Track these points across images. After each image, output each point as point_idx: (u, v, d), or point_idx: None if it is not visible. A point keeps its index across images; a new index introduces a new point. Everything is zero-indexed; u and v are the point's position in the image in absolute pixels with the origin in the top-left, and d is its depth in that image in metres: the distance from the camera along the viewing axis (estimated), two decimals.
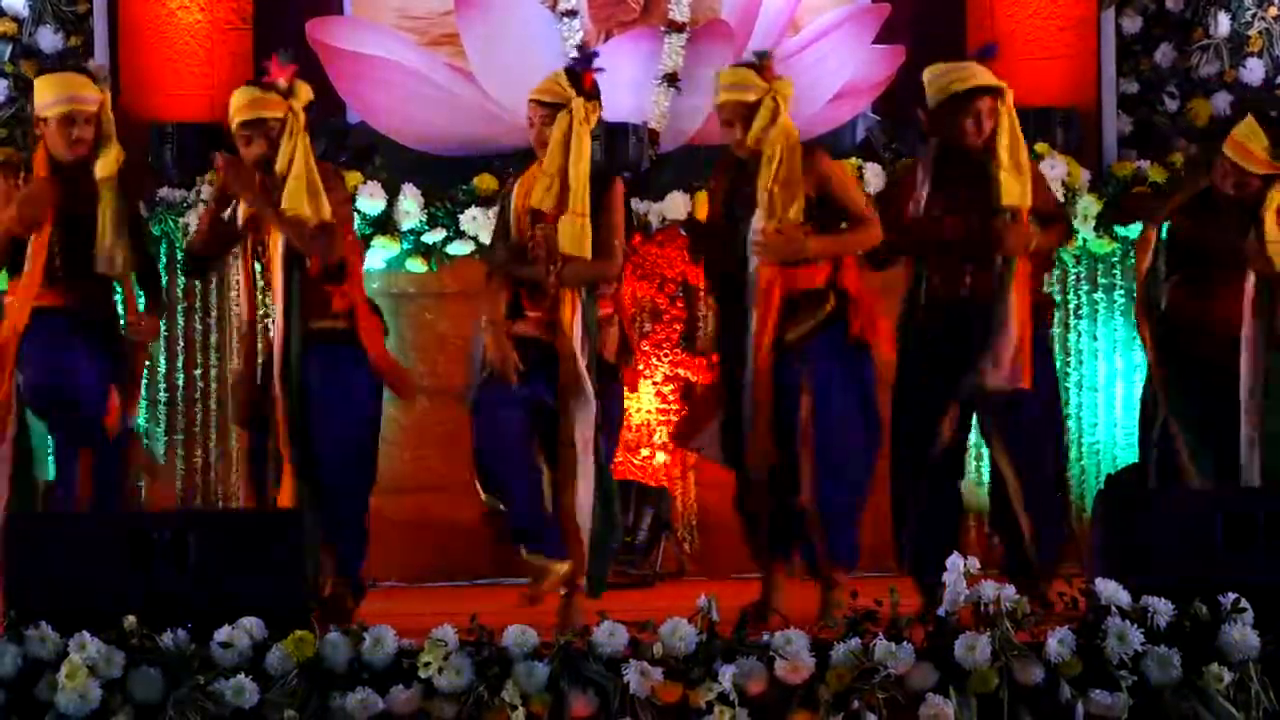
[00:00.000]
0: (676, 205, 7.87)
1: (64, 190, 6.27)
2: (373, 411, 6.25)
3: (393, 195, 7.80)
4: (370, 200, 7.70)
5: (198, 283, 7.88)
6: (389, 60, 8.14)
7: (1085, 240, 7.96)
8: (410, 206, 7.82)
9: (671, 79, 8.16)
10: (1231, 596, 5.13)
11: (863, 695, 5.00)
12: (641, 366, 7.81)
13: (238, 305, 6.34)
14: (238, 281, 6.32)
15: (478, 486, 6.06)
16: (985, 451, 7.29)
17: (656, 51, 8.17)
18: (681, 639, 5.07)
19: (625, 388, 6.32)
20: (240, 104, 6.13)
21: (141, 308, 6.51)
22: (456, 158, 8.02)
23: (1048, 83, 8.03)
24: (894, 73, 8.20)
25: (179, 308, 7.91)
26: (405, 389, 6.30)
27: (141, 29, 8.15)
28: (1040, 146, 7.69)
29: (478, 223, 7.76)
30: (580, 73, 6.05)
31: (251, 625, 5.13)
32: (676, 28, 8.20)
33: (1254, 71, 8.28)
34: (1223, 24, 8.27)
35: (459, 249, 7.83)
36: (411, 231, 7.82)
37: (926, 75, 6.27)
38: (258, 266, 6.23)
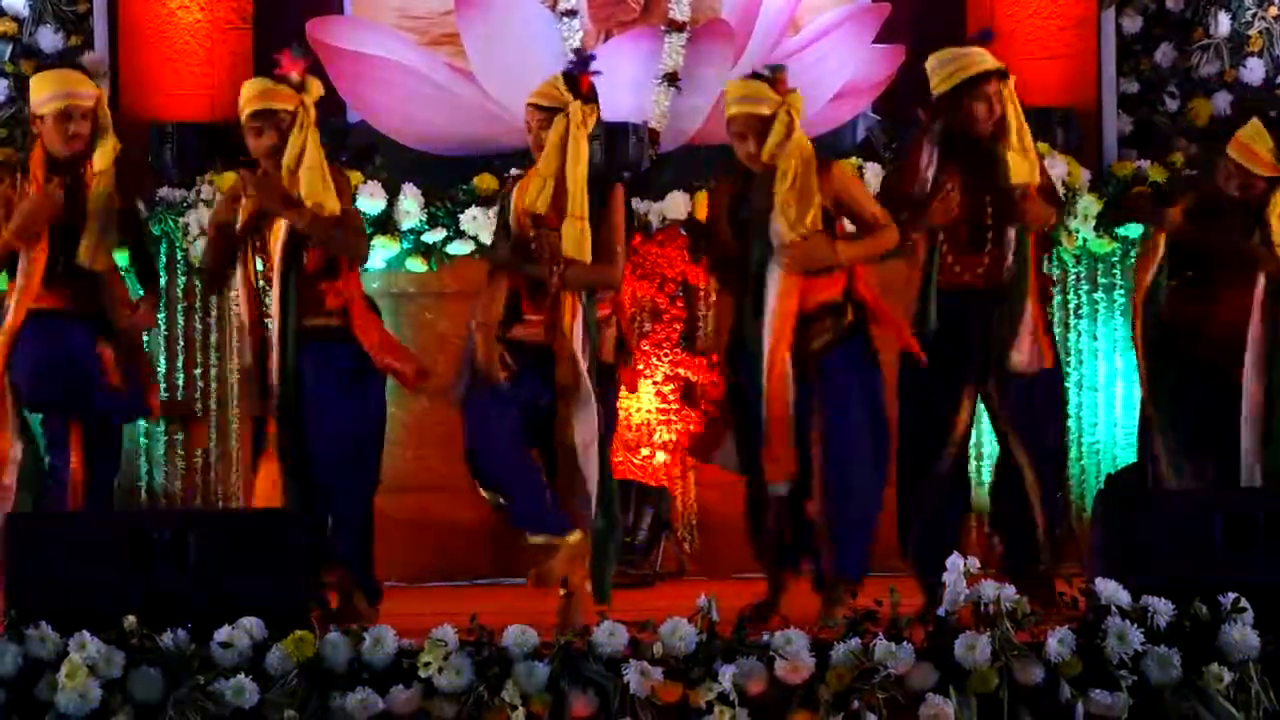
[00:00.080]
0: (676, 205, 7.87)
1: (62, 194, 6.27)
2: (373, 410, 6.23)
3: (393, 195, 7.80)
4: (370, 200, 7.70)
5: (198, 283, 7.88)
6: (389, 60, 8.14)
7: (1085, 240, 7.96)
8: (410, 206, 7.82)
9: (671, 79, 8.16)
10: (1231, 596, 5.13)
11: (863, 695, 5.00)
12: (641, 366, 7.81)
13: (238, 305, 6.32)
14: (236, 282, 6.30)
15: (475, 484, 6.07)
16: (985, 451, 7.32)
17: (656, 51, 8.17)
18: (681, 639, 5.07)
19: (623, 388, 6.32)
20: (251, 94, 6.14)
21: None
22: (456, 158, 8.02)
23: (1048, 82, 8.03)
24: (894, 72, 8.20)
25: (179, 307, 7.91)
26: (407, 376, 6.27)
27: (141, 29, 8.15)
28: (1040, 146, 7.65)
29: (478, 223, 7.76)
30: (577, 76, 6.05)
31: (251, 625, 5.13)
32: (677, 27, 8.20)
33: (1254, 71, 8.28)
34: (1223, 24, 8.27)
35: (459, 249, 7.83)
36: (411, 231, 7.82)
37: (932, 62, 6.27)
38: (258, 265, 6.22)
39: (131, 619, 5.10)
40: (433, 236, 7.84)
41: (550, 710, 5.05)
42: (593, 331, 6.00)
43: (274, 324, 6.09)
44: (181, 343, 7.91)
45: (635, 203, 7.82)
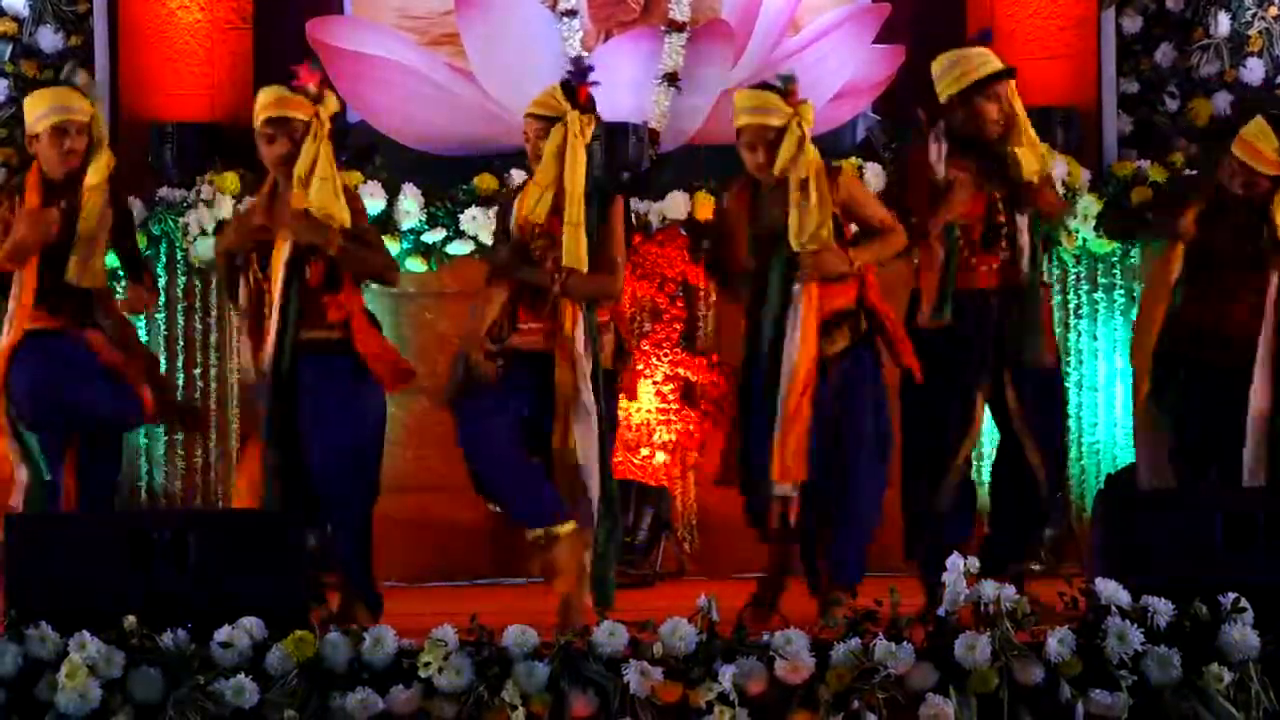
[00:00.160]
0: (676, 205, 7.87)
1: (56, 225, 6.29)
2: (372, 422, 6.21)
3: (393, 195, 7.80)
4: (370, 200, 7.70)
5: (198, 282, 7.88)
6: (389, 60, 8.14)
7: (1085, 240, 7.96)
8: (410, 206, 7.82)
9: (671, 79, 8.16)
10: (1231, 596, 5.13)
11: (863, 695, 5.00)
12: (641, 366, 7.82)
13: (239, 310, 6.31)
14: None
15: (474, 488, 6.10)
16: (985, 450, 7.32)
17: (656, 51, 8.17)
18: (681, 639, 5.07)
19: (622, 392, 6.31)
20: (266, 102, 6.12)
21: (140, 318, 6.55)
22: (456, 158, 8.02)
23: (1048, 82, 8.03)
24: (894, 73, 8.20)
25: (179, 307, 7.92)
26: (390, 379, 6.23)
27: (141, 29, 8.15)
28: (1040, 146, 7.69)
29: (478, 222, 7.76)
30: (575, 86, 6.04)
31: (251, 625, 5.13)
32: (677, 27, 8.20)
33: (1254, 71, 8.28)
34: (1223, 24, 8.27)
35: (459, 249, 7.83)
36: (411, 231, 7.82)
37: (939, 64, 6.26)
38: (260, 276, 6.21)
39: (131, 619, 5.10)
40: (433, 236, 7.84)
41: (550, 710, 5.05)
42: (595, 340, 6.00)
43: (271, 335, 6.06)
44: (181, 343, 7.91)
45: (635, 203, 7.83)
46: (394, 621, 5.27)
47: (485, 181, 7.82)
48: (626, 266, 7.59)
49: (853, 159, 7.86)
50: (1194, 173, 7.84)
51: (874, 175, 7.76)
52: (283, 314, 6.04)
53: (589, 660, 5.08)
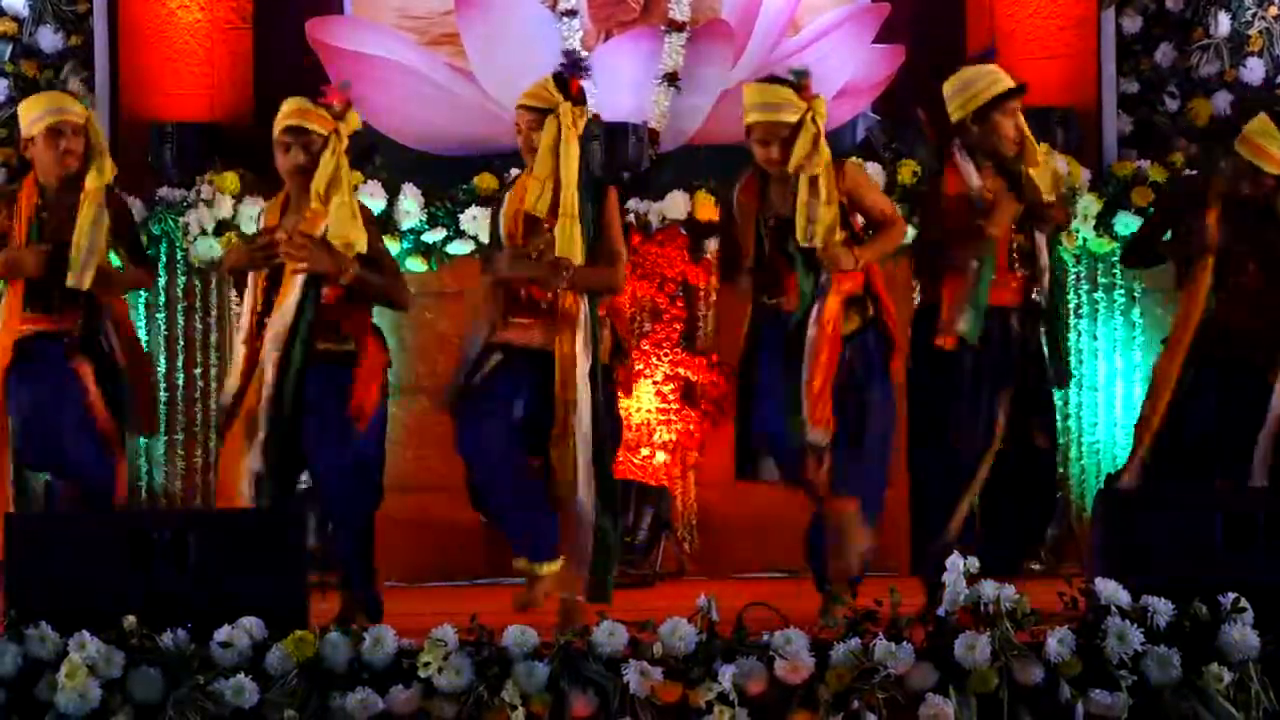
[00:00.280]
0: (676, 205, 7.87)
1: (50, 217, 6.29)
2: (376, 435, 6.21)
3: (393, 195, 7.80)
4: (370, 200, 7.70)
5: (198, 282, 7.88)
6: (389, 60, 8.14)
7: (1085, 240, 7.96)
8: (410, 206, 7.82)
9: (671, 79, 8.17)
10: (1231, 596, 5.13)
11: (863, 695, 5.00)
12: (641, 366, 7.82)
13: (239, 306, 6.28)
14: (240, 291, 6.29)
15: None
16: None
17: (656, 51, 8.17)
18: (681, 639, 5.07)
19: (619, 388, 6.31)
20: (288, 111, 6.09)
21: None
22: (456, 157, 8.03)
23: (1048, 82, 8.03)
24: (894, 72, 8.20)
25: (179, 307, 7.92)
26: (359, 415, 6.17)
27: (141, 29, 8.15)
28: (1040, 146, 7.68)
29: (478, 222, 7.76)
30: (567, 79, 6.04)
31: (251, 625, 5.12)
32: (676, 27, 8.21)
33: (1254, 71, 8.28)
34: (1223, 24, 8.27)
35: (459, 249, 7.83)
36: (411, 231, 7.82)
37: (953, 84, 6.25)
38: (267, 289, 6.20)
39: (131, 619, 5.09)
40: (433, 236, 7.85)
41: (550, 710, 5.05)
42: (596, 336, 6.00)
43: (275, 342, 6.01)
44: (181, 343, 7.91)
45: (635, 203, 7.84)
46: (394, 621, 5.27)
47: (485, 181, 7.83)
48: (626, 266, 7.60)
49: (853, 159, 7.85)
50: (1192, 173, 7.83)
51: (875, 175, 7.76)
52: (295, 325, 5.99)
53: (589, 660, 5.08)
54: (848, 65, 8.15)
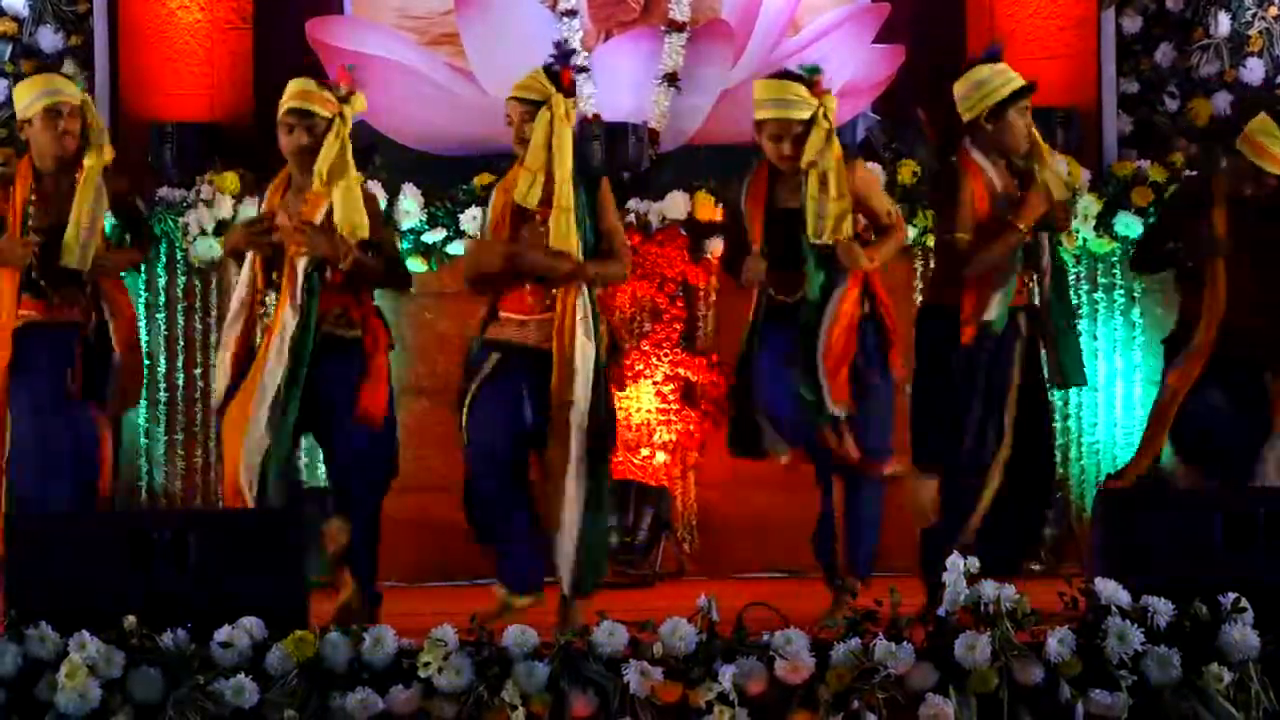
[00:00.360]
0: (676, 205, 7.86)
1: (46, 200, 6.29)
2: (389, 421, 6.22)
3: (393, 195, 7.80)
4: None
5: (198, 282, 7.88)
6: (389, 60, 8.14)
7: (1085, 240, 7.96)
8: (410, 206, 7.82)
9: (671, 79, 8.16)
10: (1231, 596, 5.13)
11: (863, 695, 5.00)
12: (641, 366, 7.82)
13: (241, 290, 6.23)
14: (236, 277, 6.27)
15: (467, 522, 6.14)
16: None
17: (656, 51, 8.17)
18: (681, 639, 5.07)
19: (614, 386, 6.30)
20: (293, 92, 6.10)
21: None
22: (456, 157, 8.03)
23: (1048, 83, 7.99)
24: (894, 73, 8.20)
25: (179, 307, 7.92)
26: (363, 417, 6.17)
27: (141, 29, 8.15)
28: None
29: (478, 223, 7.74)
30: (558, 70, 6.04)
31: (251, 625, 5.12)
32: (676, 27, 8.21)
33: (1254, 71, 8.28)
34: (1223, 24, 8.27)
35: (459, 249, 7.82)
36: (411, 231, 7.82)
37: (965, 84, 6.24)
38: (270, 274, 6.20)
39: (131, 619, 5.10)
40: (432, 236, 7.85)
41: (550, 710, 5.05)
42: (596, 333, 6.00)
43: (284, 327, 6.01)
44: (181, 343, 7.91)
45: (635, 203, 7.84)
46: (394, 621, 5.27)
47: (485, 181, 7.82)
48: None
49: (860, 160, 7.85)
50: (1193, 175, 7.83)
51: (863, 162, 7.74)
52: (305, 310, 5.99)
53: (589, 660, 5.08)
54: (848, 65, 8.15)
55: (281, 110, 6.09)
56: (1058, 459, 7.81)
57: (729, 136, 8.12)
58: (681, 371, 7.88)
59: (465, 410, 6.05)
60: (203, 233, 7.80)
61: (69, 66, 7.94)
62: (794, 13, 8.34)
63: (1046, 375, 6.39)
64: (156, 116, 8.07)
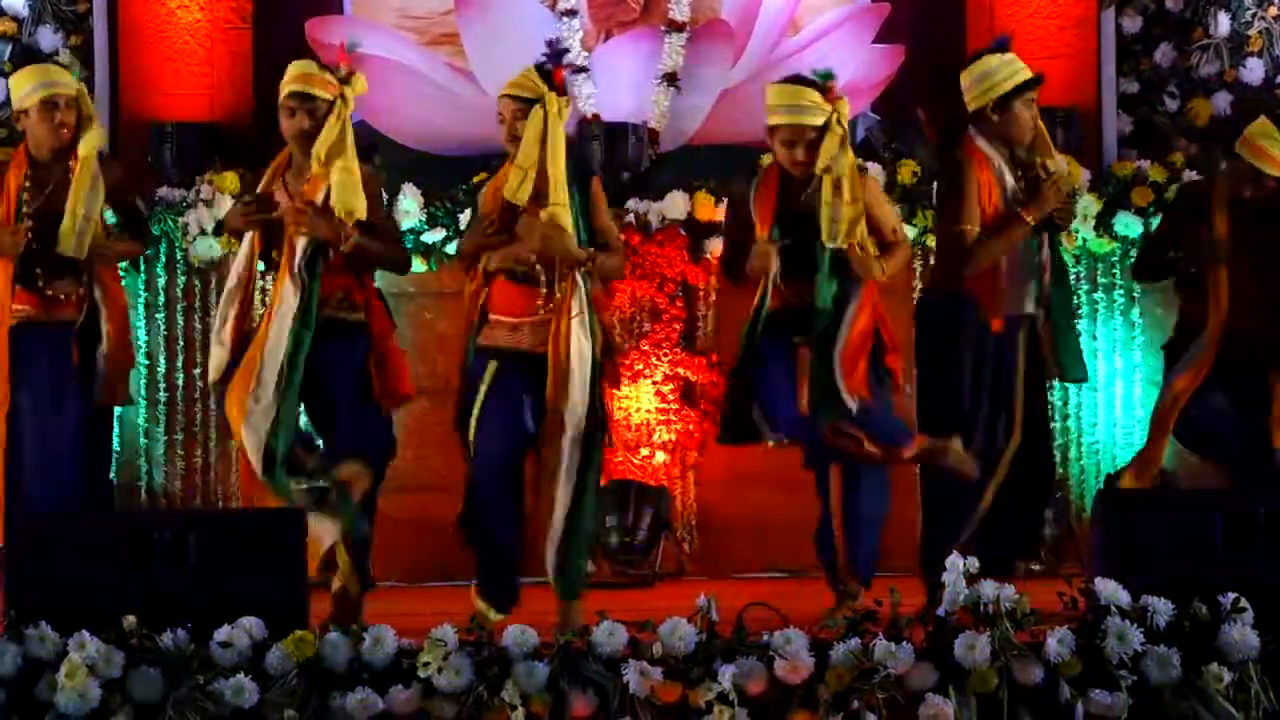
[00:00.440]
0: (676, 205, 7.86)
1: (41, 189, 6.29)
2: (385, 409, 6.22)
3: (393, 195, 7.80)
4: None
5: (198, 282, 7.88)
6: (389, 60, 8.14)
7: (1085, 240, 7.96)
8: (410, 206, 7.82)
9: (671, 79, 8.17)
10: (1231, 596, 5.13)
11: (862, 695, 5.00)
12: (641, 366, 7.82)
13: (239, 266, 6.22)
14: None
15: (461, 527, 6.13)
16: None
17: (656, 51, 8.17)
18: (681, 639, 5.07)
19: (608, 384, 6.29)
20: (294, 75, 6.09)
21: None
22: (456, 157, 8.03)
23: (1048, 82, 7.97)
24: (894, 73, 8.20)
25: (179, 307, 7.92)
26: (390, 395, 6.22)
27: (141, 29, 8.16)
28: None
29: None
30: (550, 69, 6.04)
31: (251, 625, 5.12)
32: (676, 27, 8.21)
33: (1254, 71, 8.28)
34: (1223, 24, 8.27)
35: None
36: (411, 231, 7.82)
37: (972, 74, 6.24)
38: (268, 258, 6.20)
39: (131, 619, 5.09)
40: (432, 236, 7.85)
41: (550, 710, 5.05)
42: (592, 330, 5.99)
43: (284, 307, 6.00)
44: (181, 343, 7.91)
45: (635, 203, 7.84)
46: (394, 621, 5.26)
47: (484, 180, 7.82)
48: (626, 266, 7.60)
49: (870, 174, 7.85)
50: (1192, 178, 7.82)
51: (875, 175, 7.74)
52: (306, 293, 5.99)
53: (588, 660, 5.08)
54: (848, 65, 8.13)
55: (282, 94, 6.09)
56: (1057, 459, 7.83)
57: (729, 136, 8.12)
58: (681, 371, 7.89)
59: (473, 422, 6.04)
60: (202, 233, 7.81)
61: (65, 57, 7.93)
62: (794, 13, 8.34)
63: (1048, 372, 6.40)
64: (156, 116, 8.08)
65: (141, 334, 7.79)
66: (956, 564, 5.13)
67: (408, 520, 7.37)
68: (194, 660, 5.07)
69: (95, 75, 8.02)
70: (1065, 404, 7.96)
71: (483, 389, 6.03)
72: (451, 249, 7.83)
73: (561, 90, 6.02)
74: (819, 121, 6.01)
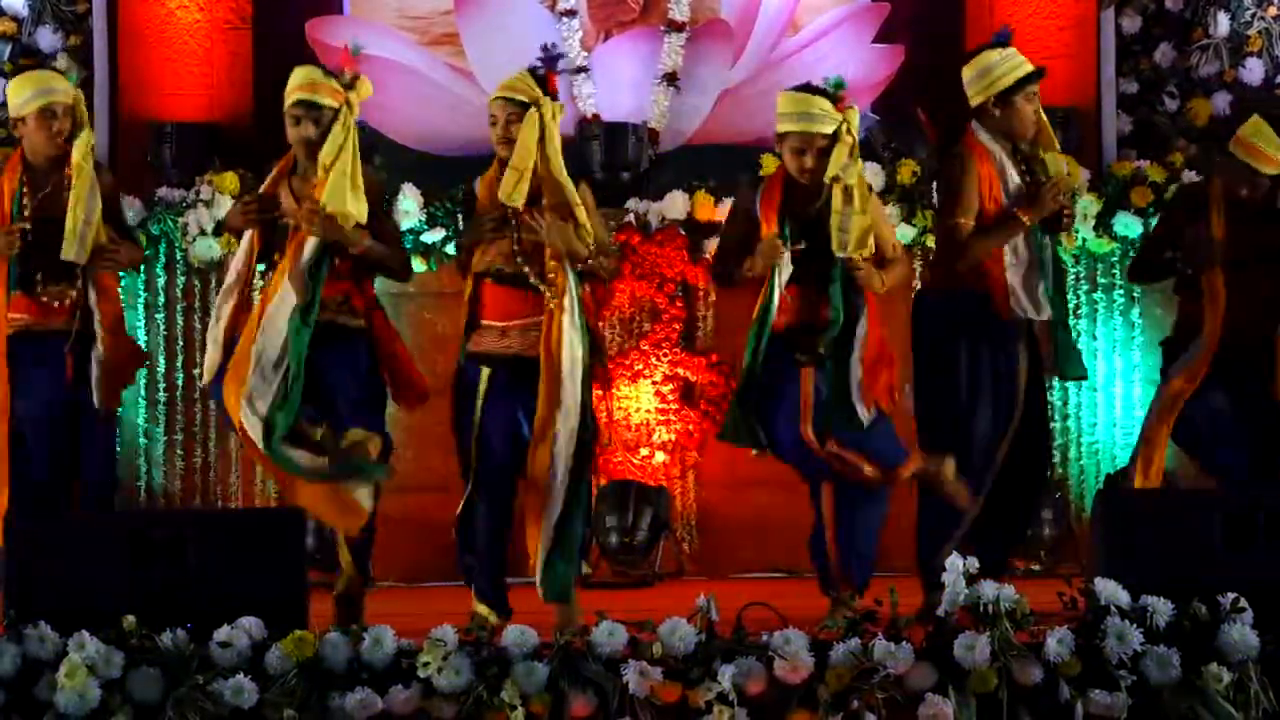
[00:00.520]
0: (676, 205, 7.87)
1: (37, 193, 6.30)
2: (380, 410, 6.24)
3: (393, 195, 7.80)
4: None
5: (197, 282, 7.89)
6: (389, 60, 8.14)
7: (1085, 240, 7.96)
8: (410, 206, 7.82)
9: (671, 79, 8.17)
10: (1231, 596, 5.13)
11: (862, 695, 5.00)
12: (640, 366, 7.82)
13: (238, 264, 6.21)
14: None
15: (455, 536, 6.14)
16: None
17: (656, 51, 8.18)
18: (681, 639, 5.07)
19: (597, 386, 6.28)
20: (299, 83, 6.08)
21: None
22: (456, 157, 8.03)
23: (1047, 82, 7.95)
24: (893, 72, 8.21)
25: (178, 307, 7.92)
26: (408, 396, 6.26)
27: (141, 29, 8.16)
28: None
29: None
30: (544, 74, 6.03)
31: (251, 625, 5.12)
32: (676, 27, 8.22)
33: (1254, 71, 8.29)
34: (1222, 24, 8.28)
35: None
36: (411, 231, 7.82)
37: (975, 68, 6.24)
38: (266, 260, 6.20)
39: (131, 619, 5.09)
40: (432, 236, 7.85)
41: (550, 710, 5.05)
42: (584, 338, 5.98)
43: (285, 304, 5.99)
44: (181, 343, 7.91)
45: (635, 203, 7.84)
46: (394, 621, 5.26)
47: None
48: (626, 266, 7.60)
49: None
50: (1191, 178, 7.83)
51: (874, 175, 7.75)
52: (309, 297, 5.98)
53: (588, 660, 5.08)
54: (847, 65, 8.14)
55: (288, 101, 6.08)
56: (1057, 459, 7.84)
57: (728, 136, 8.13)
58: (681, 371, 7.89)
59: (474, 434, 6.04)
60: (202, 233, 7.81)
61: (62, 61, 7.93)
62: (793, 12, 8.34)
63: (1047, 372, 6.40)
64: (156, 116, 8.08)
65: (141, 334, 7.79)
66: (956, 564, 5.13)
67: (408, 520, 7.37)
68: (194, 660, 5.06)
69: (95, 75, 8.02)
70: (1065, 404, 7.97)
71: (479, 401, 6.02)
72: (451, 249, 7.83)
73: (554, 95, 6.02)
74: (829, 130, 5.99)
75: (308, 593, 5.37)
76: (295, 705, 5.03)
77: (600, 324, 7.63)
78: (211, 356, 6.11)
